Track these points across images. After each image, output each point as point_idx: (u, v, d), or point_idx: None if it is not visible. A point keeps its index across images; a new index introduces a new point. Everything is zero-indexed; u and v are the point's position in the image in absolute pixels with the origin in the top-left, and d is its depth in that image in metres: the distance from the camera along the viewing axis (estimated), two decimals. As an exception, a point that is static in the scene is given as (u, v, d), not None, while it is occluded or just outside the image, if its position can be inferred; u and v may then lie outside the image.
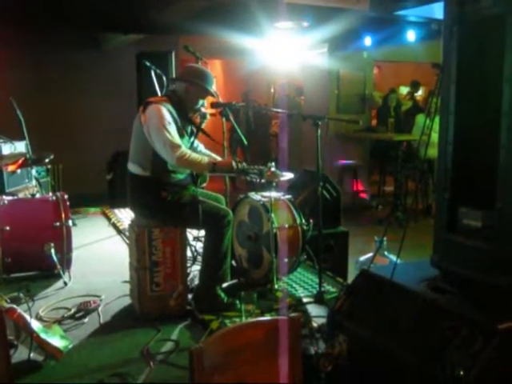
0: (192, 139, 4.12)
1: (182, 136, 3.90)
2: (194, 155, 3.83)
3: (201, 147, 4.33)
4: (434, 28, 7.35)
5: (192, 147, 4.14)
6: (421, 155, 7.37)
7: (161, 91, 5.45)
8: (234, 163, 3.86)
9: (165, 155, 3.76)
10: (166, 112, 3.82)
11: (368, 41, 8.33)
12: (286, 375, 2.17)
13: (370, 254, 4.62)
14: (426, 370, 2.35)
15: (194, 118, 4.13)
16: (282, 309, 3.93)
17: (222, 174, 4.11)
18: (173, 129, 3.79)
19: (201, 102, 4.08)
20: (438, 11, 6.44)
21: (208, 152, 4.31)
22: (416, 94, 11.21)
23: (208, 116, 4.21)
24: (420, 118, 8.56)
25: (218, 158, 4.14)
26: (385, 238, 4.44)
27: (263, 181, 3.93)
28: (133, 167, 3.95)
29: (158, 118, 3.76)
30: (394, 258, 4.27)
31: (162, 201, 3.86)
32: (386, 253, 4.49)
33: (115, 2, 6.32)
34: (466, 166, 2.81)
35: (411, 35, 7.84)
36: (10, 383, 2.73)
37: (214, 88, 4.14)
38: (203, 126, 4.17)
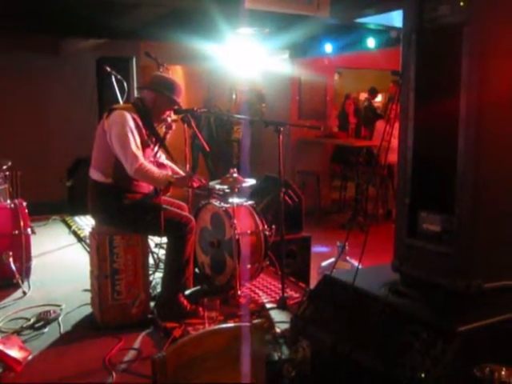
0: (155, 150, 4.09)
1: (146, 145, 3.88)
2: (153, 170, 3.80)
3: (163, 157, 4.30)
4: (393, 36, 7.47)
5: (155, 157, 4.11)
6: (381, 161, 7.47)
7: (122, 97, 5.40)
8: (195, 180, 3.92)
9: (124, 164, 3.73)
10: (130, 119, 3.78)
11: (329, 47, 8.40)
12: (250, 382, 2.16)
13: (332, 259, 4.66)
14: (387, 374, 2.38)
15: (159, 128, 4.10)
16: (245, 315, 3.93)
17: (180, 188, 4.11)
18: (135, 138, 3.76)
19: (168, 112, 4.05)
20: (397, 19, 6.55)
21: (170, 163, 4.29)
22: (375, 100, 11.37)
23: (173, 127, 4.19)
24: (379, 124, 8.68)
25: (180, 171, 4.15)
26: (346, 243, 4.47)
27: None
28: (95, 174, 3.90)
29: (121, 126, 3.73)
30: (355, 262, 4.32)
31: (123, 208, 3.83)
32: (348, 258, 4.53)
33: (75, 6, 6.24)
34: (426, 172, 2.86)
35: (371, 42, 7.94)
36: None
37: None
38: (168, 136, 4.16)
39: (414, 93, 2.87)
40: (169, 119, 4.10)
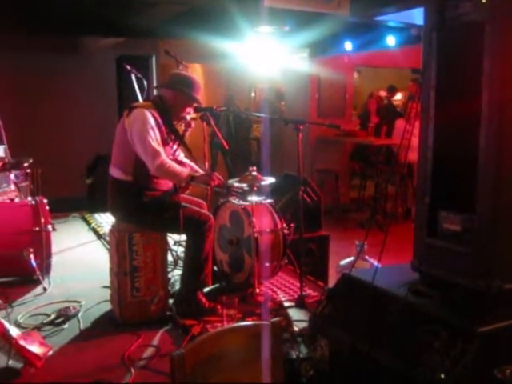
0: (175, 147, 4.11)
1: (165, 143, 3.90)
2: (174, 166, 3.84)
3: (182, 156, 4.31)
4: (413, 33, 7.42)
5: (174, 155, 4.13)
6: (401, 159, 7.42)
7: (141, 95, 5.44)
8: (215, 178, 3.93)
9: (146, 161, 3.75)
10: (151, 117, 3.80)
11: (349, 45, 8.37)
12: (268, 380, 2.16)
13: (351, 258, 4.63)
14: (406, 374, 2.36)
15: (178, 126, 4.12)
16: (263, 313, 3.93)
17: (202, 186, 4.11)
18: (156, 135, 3.78)
19: (187, 109, 4.07)
20: (417, 17, 6.50)
21: (188, 161, 4.30)
22: (395, 99, 11.29)
23: (192, 125, 4.21)
24: (399, 123, 8.62)
25: (199, 170, 4.16)
26: (365, 242, 4.45)
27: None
28: (115, 172, 3.93)
29: (142, 123, 3.75)
30: (374, 261, 4.30)
31: (143, 205, 3.85)
32: (366, 257, 4.51)
33: (94, 5, 6.28)
34: (446, 171, 2.84)
35: (391, 40, 7.90)
36: (-12, 391, 2.70)
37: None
38: (187, 134, 4.18)
39: (435, 91, 2.85)
40: (188, 117, 4.11)
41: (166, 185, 3.98)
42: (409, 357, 2.39)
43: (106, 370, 3.30)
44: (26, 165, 5.45)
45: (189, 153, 4.22)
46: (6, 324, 3.14)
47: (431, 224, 2.89)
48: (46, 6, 6.25)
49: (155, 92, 4.23)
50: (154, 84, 7.01)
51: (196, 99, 4.05)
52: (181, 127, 4.17)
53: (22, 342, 3.17)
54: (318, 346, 2.81)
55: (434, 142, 2.85)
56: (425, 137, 2.90)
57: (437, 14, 2.82)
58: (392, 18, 6.90)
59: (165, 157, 3.79)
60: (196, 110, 4.42)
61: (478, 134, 2.61)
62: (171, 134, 4.01)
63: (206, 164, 4.57)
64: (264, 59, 8.45)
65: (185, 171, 3.89)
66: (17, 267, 4.63)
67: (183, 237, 4.14)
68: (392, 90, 10.71)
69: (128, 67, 5.46)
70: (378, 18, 6.81)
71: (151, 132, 3.74)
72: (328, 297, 3.07)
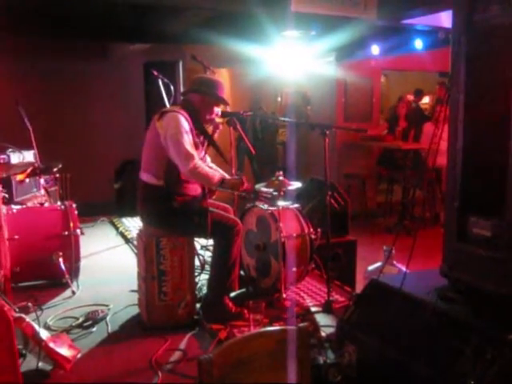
0: (203, 153, 4.14)
1: (196, 147, 3.93)
2: (207, 169, 3.88)
3: (208, 160, 4.33)
4: (441, 37, 7.34)
5: (203, 159, 4.15)
6: (429, 164, 7.35)
7: (168, 100, 5.47)
8: (244, 183, 3.95)
9: (179, 164, 3.79)
10: (184, 120, 3.85)
11: (375, 49, 8.32)
12: (295, 385, 2.16)
13: (379, 263, 4.60)
14: (436, 381, 2.34)
15: (208, 128, 4.16)
16: (290, 318, 3.92)
17: (230, 190, 4.11)
18: (189, 138, 3.82)
19: (216, 110, 4.10)
20: (445, 20, 6.44)
21: (214, 166, 4.32)
22: (422, 102, 11.18)
23: (221, 127, 4.24)
24: (428, 127, 8.54)
25: (225, 174, 4.17)
26: (393, 247, 4.42)
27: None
28: (146, 176, 3.96)
29: (176, 126, 3.79)
30: (402, 267, 4.26)
31: (172, 210, 3.87)
32: (394, 262, 4.47)
33: (122, 12, 6.35)
34: (476, 175, 2.80)
35: (418, 44, 7.83)
36: (18, 393, 2.74)
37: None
38: (216, 135, 4.22)
39: (464, 95, 2.81)
40: (216, 119, 4.14)
41: (195, 190, 4.00)
42: (438, 363, 2.36)
43: (134, 374, 3.33)
44: (55, 170, 5.52)
45: (220, 154, 4.22)
46: (36, 327, 3.17)
47: (461, 229, 2.85)
48: (76, 12, 6.33)
49: (181, 99, 4.25)
50: (181, 89, 7.05)
51: (222, 98, 4.09)
52: (209, 130, 4.21)
53: (51, 345, 3.21)
54: (345, 351, 2.80)
55: (463, 146, 2.82)
56: (454, 141, 2.87)
57: (465, 17, 2.79)
58: (419, 22, 6.83)
59: (198, 160, 3.82)
60: (222, 114, 4.45)
61: (509, 137, 2.57)
62: (201, 137, 4.04)
63: (233, 169, 4.58)
64: (290, 64, 8.44)
65: (217, 175, 3.92)
66: (46, 271, 4.70)
67: (210, 241, 4.16)
68: (419, 94, 10.61)
69: (155, 73, 5.49)
70: (405, 22, 6.75)
71: (185, 135, 3.79)
72: (356, 302, 3.05)
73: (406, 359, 2.50)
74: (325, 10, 5.63)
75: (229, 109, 4.85)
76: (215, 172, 3.97)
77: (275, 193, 4.15)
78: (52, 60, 8.35)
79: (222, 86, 4.12)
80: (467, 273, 2.78)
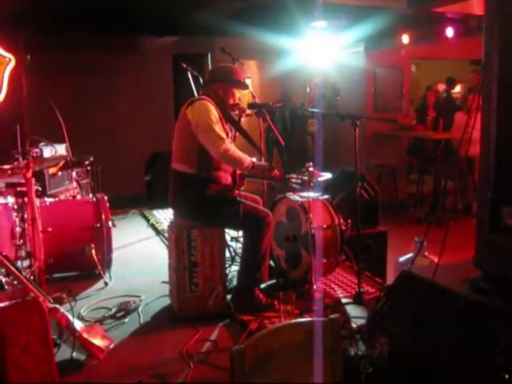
0: (232, 139, 4.18)
1: (226, 134, 3.96)
2: (238, 152, 3.92)
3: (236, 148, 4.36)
4: (472, 24, 7.23)
5: None
6: (461, 153, 7.25)
7: (197, 92, 5.48)
8: (274, 169, 4.00)
9: (210, 148, 3.84)
10: (213, 108, 3.93)
11: (405, 38, 8.22)
12: (326, 376, 2.16)
13: (410, 255, 4.56)
14: (469, 374, 2.31)
15: (234, 115, 4.21)
16: (320, 309, 3.92)
17: (258, 177, 4.13)
18: (219, 123, 3.89)
19: (237, 94, 4.19)
20: (477, 7, 6.34)
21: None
22: (453, 91, 11.02)
23: (246, 110, 4.30)
24: (459, 117, 8.43)
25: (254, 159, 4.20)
26: (425, 238, 4.37)
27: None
28: (178, 166, 4.01)
29: (207, 113, 3.87)
30: (434, 258, 4.22)
31: (205, 198, 3.92)
32: (426, 253, 4.43)
33: (151, 5, 6.38)
34: (510, 165, 2.75)
35: (449, 32, 7.71)
36: (54, 381, 2.79)
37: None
38: (242, 120, 4.28)
39: (497, 83, 2.77)
40: (238, 100, 4.18)
41: (227, 179, 4.03)
42: (471, 356, 2.34)
43: (165, 364, 3.36)
44: (86, 163, 5.59)
45: (248, 140, 4.24)
46: (70, 317, 3.23)
47: (494, 220, 2.81)
48: (106, 6, 6.38)
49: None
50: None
51: (241, 82, 4.17)
52: (236, 115, 4.28)
53: (85, 335, 3.27)
54: (376, 343, 2.78)
55: (496, 135, 2.77)
56: (487, 130, 2.83)
57: (498, 3, 2.74)
58: (450, 9, 6.74)
59: (229, 143, 3.87)
60: (252, 106, 4.46)
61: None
62: (228, 124, 4.09)
63: (263, 160, 4.58)
64: (319, 54, 8.40)
65: (248, 158, 3.95)
66: (79, 262, 4.77)
67: (240, 233, 4.17)
68: (451, 83, 10.44)
69: (184, 65, 5.52)
70: (436, 10, 6.66)
71: (215, 120, 3.86)
72: (387, 294, 3.03)
73: (437, 351, 2.48)
74: (354, -1, 5.59)
75: (258, 100, 4.86)
76: (246, 155, 3.99)
77: (305, 178, 4.13)
78: (82, 54, 8.43)
79: (238, 70, 4.22)
80: (500, 264, 2.74)
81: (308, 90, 12.15)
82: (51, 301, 3.43)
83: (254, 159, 4.06)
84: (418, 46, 8.74)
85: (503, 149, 2.77)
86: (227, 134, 4.01)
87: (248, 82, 4.51)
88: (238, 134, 4.29)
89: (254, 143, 4.21)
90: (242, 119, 4.38)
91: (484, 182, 2.87)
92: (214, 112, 3.91)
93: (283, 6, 5.55)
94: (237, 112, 4.30)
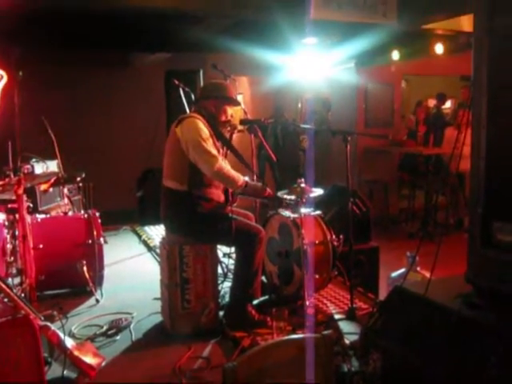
0: (223, 157, 4.18)
1: (217, 151, 3.96)
2: (232, 171, 3.91)
3: (228, 166, 4.36)
4: (461, 41, 7.30)
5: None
6: (451, 168, 7.29)
7: (189, 109, 5.50)
8: (267, 189, 4.03)
9: (203, 166, 3.83)
10: (203, 125, 3.91)
11: (396, 55, 8.29)
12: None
13: (402, 270, 4.57)
14: (462, 389, 2.31)
15: (225, 132, 4.21)
16: (313, 326, 3.90)
17: (251, 196, 4.15)
18: (210, 141, 3.88)
19: (229, 111, 4.16)
20: (466, 23, 6.40)
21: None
22: (444, 107, 11.11)
23: (238, 127, 4.30)
24: (449, 132, 8.49)
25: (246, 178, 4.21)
26: (417, 254, 4.38)
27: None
28: (169, 182, 4.00)
29: (196, 131, 3.86)
30: (426, 273, 4.22)
31: (196, 215, 3.90)
32: (418, 268, 4.43)
33: (144, 22, 6.41)
34: (500, 180, 2.77)
35: (439, 48, 7.79)
36: (44, 401, 2.76)
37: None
38: (234, 136, 4.28)
39: (487, 99, 2.79)
40: (230, 117, 4.18)
41: (218, 196, 4.02)
42: (464, 371, 2.34)
43: (158, 381, 3.33)
44: (78, 179, 5.58)
45: (239, 158, 4.24)
46: (62, 335, 3.20)
47: (485, 235, 2.82)
48: (99, 23, 6.40)
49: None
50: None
51: (233, 99, 4.18)
52: (227, 132, 4.28)
53: (76, 353, 3.24)
54: (370, 359, 2.78)
55: (486, 152, 2.79)
56: (477, 146, 2.84)
57: (487, 20, 2.77)
58: (440, 26, 6.80)
59: (221, 161, 3.86)
60: (243, 122, 4.48)
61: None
62: (219, 141, 4.08)
63: (254, 176, 4.59)
64: (311, 70, 8.45)
65: (241, 177, 3.94)
66: (70, 279, 4.75)
67: (233, 249, 4.17)
68: (442, 98, 10.53)
69: (176, 81, 5.54)
70: (426, 27, 6.72)
71: (205, 137, 3.85)
72: (380, 309, 3.03)
73: (430, 366, 2.47)
74: (344, 16, 5.63)
75: (250, 116, 4.87)
76: (239, 174, 3.99)
77: (298, 200, 4.15)
78: (74, 70, 8.44)
79: (230, 87, 4.22)
80: (492, 279, 2.75)
81: (300, 105, 12.20)
82: (42, 318, 3.41)
83: (247, 178, 4.06)
84: (409, 62, 8.81)
85: (493, 164, 2.79)
86: (218, 151, 4.01)
87: (239, 97, 4.54)
88: (229, 151, 4.30)
89: (244, 161, 4.21)
90: (234, 136, 4.39)
91: (475, 197, 2.88)
92: (204, 129, 3.90)
93: (274, 23, 5.58)
94: (229, 129, 4.30)
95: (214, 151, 3.85)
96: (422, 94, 12.04)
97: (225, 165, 3.89)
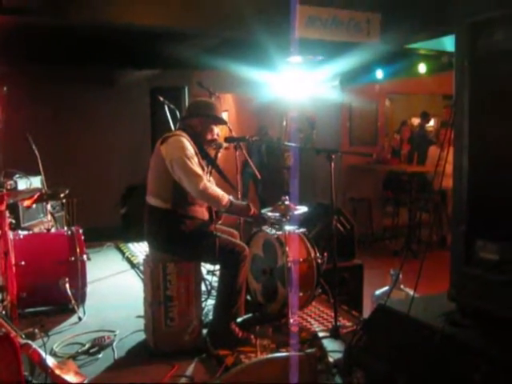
0: (208, 175, 4.17)
1: (201, 169, 3.96)
2: (216, 189, 3.90)
3: (214, 184, 4.36)
4: (444, 61, 7.41)
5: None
6: (435, 186, 7.35)
7: (174, 126, 5.51)
8: (251, 208, 4.01)
9: (187, 186, 3.81)
10: (188, 143, 3.90)
11: (380, 74, 8.39)
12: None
13: (386, 288, 4.58)
14: (446, 407, 2.31)
15: (210, 151, 4.21)
16: (297, 344, 3.89)
17: (236, 215, 4.16)
18: (195, 160, 3.87)
19: (216, 130, 4.16)
20: (448, 44, 6.50)
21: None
22: (427, 125, 11.23)
23: (223, 145, 4.30)
24: (433, 150, 8.58)
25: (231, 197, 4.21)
26: (400, 271, 4.40)
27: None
28: (153, 200, 3.98)
29: (181, 150, 3.84)
30: (409, 291, 4.24)
31: (180, 233, 3.88)
32: (402, 286, 4.45)
33: (129, 39, 6.43)
34: (482, 199, 2.80)
35: (422, 68, 7.90)
36: (24, 421, 2.72)
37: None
38: (219, 155, 4.26)
39: (469, 120, 2.83)
40: (216, 136, 4.18)
41: (203, 214, 4.02)
42: (448, 389, 2.34)
43: (141, 400, 3.30)
44: (62, 195, 5.54)
45: (223, 177, 4.24)
46: (43, 353, 3.16)
47: (468, 253, 2.84)
48: (84, 40, 6.42)
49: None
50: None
51: (220, 118, 4.18)
52: (212, 151, 4.27)
53: (57, 372, 3.19)
54: (353, 377, 2.77)
55: (469, 171, 2.83)
56: (459, 165, 2.88)
57: (468, 42, 2.82)
58: (423, 46, 6.90)
59: (206, 180, 3.86)
60: (228, 140, 4.50)
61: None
62: (204, 160, 4.08)
63: (239, 193, 4.60)
64: (295, 88, 8.51)
65: (225, 196, 3.93)
66: (53, 296, 4.69)
67: (217, 266, 4.15)
68: (426, 117, 10.66)
69: (161, 98, 5.55)
70: (409, 46, 6.82)
71: (191, 157, 3.83)
72: (363, 327, 3.04)
73: (414, 385, 2.48)
74: (329, 35, 5.69)
75: (234, 134, 4.89)
76: (224, 193, 3.99)
77: (284, 219, 4.15)
78: (60, 86, 8.43)
79: (217, 106, 4.22)
80: (475, 297, 2.77)
81: (284, 123, 12.27)
82: (23, 336, 3.36)
83: (231, 197, 4.06)
84: (392, 81, 8.92)
85: (475, 183, 2.82)
86: (203, 169, 4.01)
87: (225, 115, 4.55)
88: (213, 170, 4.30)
89: (229, 181, 4.22)
90: (219, 154, 4.38)
91: (457, 215, 2.91)
92: (189, 147, 3.88)
93: (257, 41, 5.63)
94: (214, 147, 4.30)
95: (198, 170, 3.84)
96: (405, 112, 12.17)
97: (210, 184, 3.88)
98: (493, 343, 2.49)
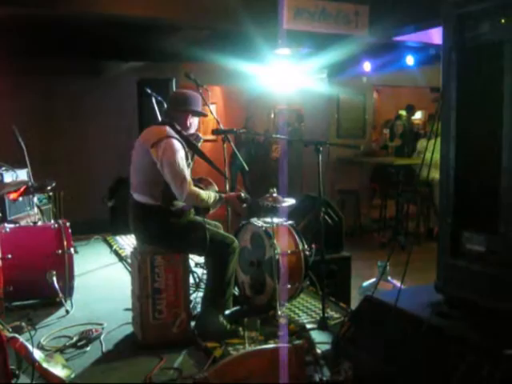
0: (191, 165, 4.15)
1: (188, 166, 3.94)
2: (202, 193, 3.89)
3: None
4: (432, 53, 7.43)
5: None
6: (422, 178, 7.38)
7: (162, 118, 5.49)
8: (222, 197, 4.03)
9: (174, 190, 3.80)
10: (178, 145, 3.85)
11: (367, 66, 8.40)
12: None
13: (373, 279, 4.60)
14: (432, 397, 2.33)
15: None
16: (285, 336, 3.90)
17: (230, 205, 4.19)
18: (185, 164, 3.84)
19: (195, 122, 4.15)
20: (436, 36, 6.51)
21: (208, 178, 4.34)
22: (414, 118, 11.25)
23: (202, 139, 4.26)
24: (422, 143, 8.62)
25: (215, 186, 4.21)
26: (388, 263, 4.42)
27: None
28: (141, 198, 3.93)
29: (172, 153, 3.79)
30: (397, 282, 4.26)
31: (171, 227, 3.88)
32: (389, 278, 4.47)
33: (116, 30, 6.38)
34: (469, 191, 2.82)
35: (410, 60, 7.91)
36: (11, 414, 2.71)
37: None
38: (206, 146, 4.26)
39: (456, 111, 2.84)
40: (193, 130, 4.15)
41: (191, 210, 4.03)
42: (434, 379, 2.36)
43: (129, 393, 3.30)
44: (48, 188, 5.50)
45: (209, 163, 4.21)
46: (30, 347, 3.15)
47: (454, 244, 2.86)
48: (71, 32, 6.37)
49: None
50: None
51: (199, 112, 4.14)
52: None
53: (45, 365, 3.19)
54: (341, 368, 2.79)
55: (455, 162, 2.84)
56: (446, 157, 2.89)
57: (455, 34, 2.83)
58: (410, 38, 6.92)
59: (192, 186, 3.85)
60: (216, 132, 4.48)
61: (501, 153, 2.59)
62: (190, 150, 4.04)
63: (227, 185, 4.59)
64: (283, 81, 8.51)
65: (211, 194, 3.94)
66: (40, 290, 4.66)
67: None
68: (411, 110, 10.68)
69: (148, 90, 5.51)
70: (397, 38, 6.82)
71: (181, 161, 3.80)
72: (351, 319, 3.05)
73: (401, 375, 2.49)
74: (317, 27, 5.69)
75: (222, 126, 4.88)
76: (209, 192, 3.98)
77: (274, 205, 4.16)
78: (46, 78, 8.38)
79: (197, 98, 4.16)
80: (461, 288, 2.79)
81: (272, 115, 12.27)
82: (10, 330, 3.36)
83: (212, 193, 4.04)
84: (380, 73, 8.93)
85: (462, 175, 2.84)
86: (187, 158, 3.97)
87: (213, 107, 4.53)
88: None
89: (215, 166, 4.19)
90: (200, 144, 4.34)
91: (444, 207, 2.92)
92: (180, 150, 3.84)
93: (245, 33, 5.61)
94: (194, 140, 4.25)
95: (187, 175, 3.81)
96: (393, 105, 12.20)
97: (195, 189, 3.85)
98: (478, 334, 2.51)
